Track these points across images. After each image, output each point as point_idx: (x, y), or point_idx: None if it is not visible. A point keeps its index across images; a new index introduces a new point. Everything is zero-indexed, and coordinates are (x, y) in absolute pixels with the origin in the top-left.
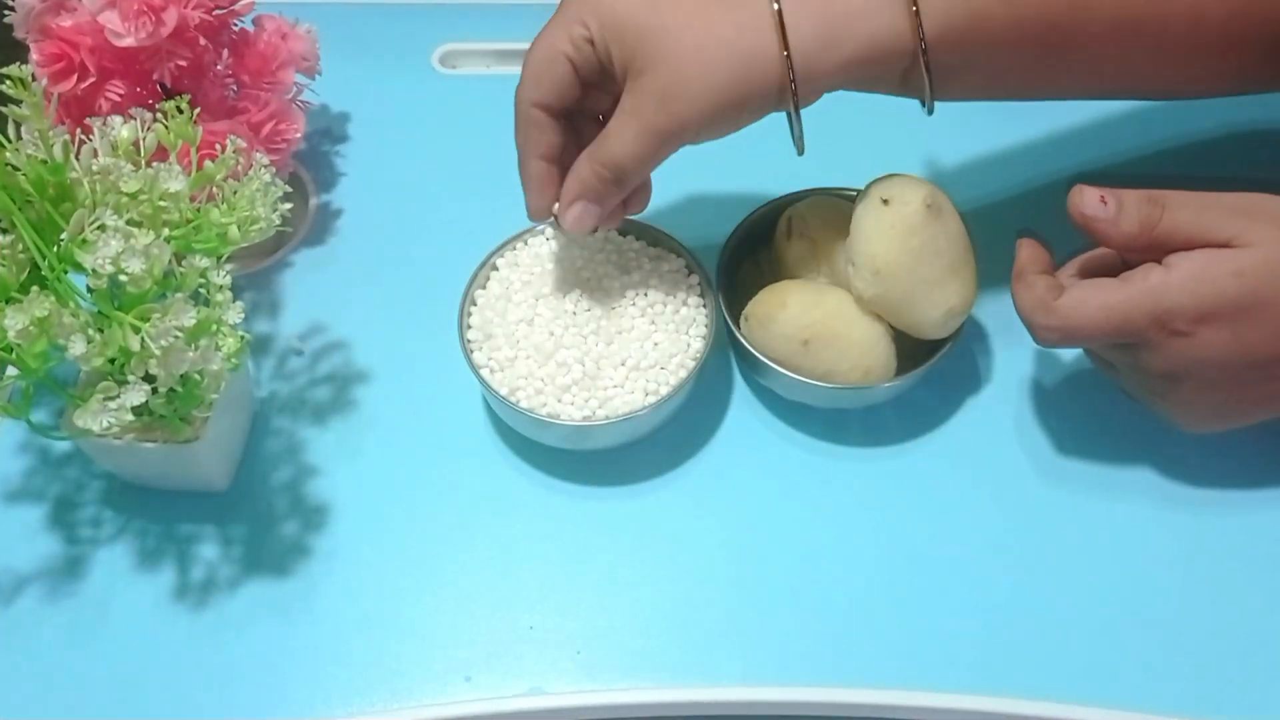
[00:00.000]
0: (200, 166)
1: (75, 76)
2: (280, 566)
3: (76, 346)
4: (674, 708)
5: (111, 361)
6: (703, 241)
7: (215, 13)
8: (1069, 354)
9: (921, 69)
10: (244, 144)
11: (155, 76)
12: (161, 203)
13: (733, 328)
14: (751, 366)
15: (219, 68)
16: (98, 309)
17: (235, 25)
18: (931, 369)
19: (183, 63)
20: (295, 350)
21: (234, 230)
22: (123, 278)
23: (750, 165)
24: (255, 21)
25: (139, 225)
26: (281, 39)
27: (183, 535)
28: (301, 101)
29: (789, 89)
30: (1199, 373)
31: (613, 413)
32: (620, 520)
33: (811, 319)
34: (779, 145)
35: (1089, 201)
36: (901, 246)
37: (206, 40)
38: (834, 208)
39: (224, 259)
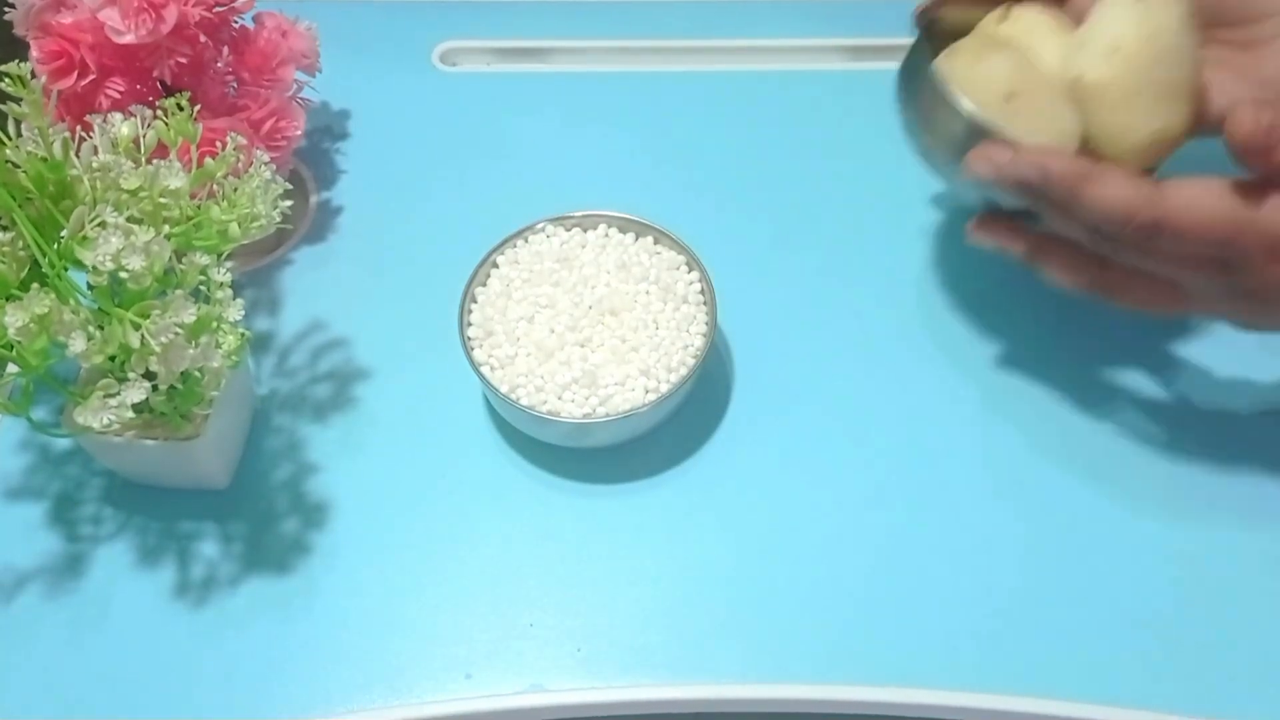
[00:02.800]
0: (200, 164)
1: (75, 73)
2: (281, 564)
3: (77, 344)
4: (674, 705)
5: (112, 359)
6: (703, 240)
7: (215, 10)
8: (1070, 353)
9: None
10: (244, 141)
11: (155, 74)
12: (162, 200)
13: (927, 60)
14: (926, 104)
15: (219, 65)
16: (98, 306)
17: (235, 22)
18: (935, 369)
19: (183, 60)
20: None
21: (234, 227)
22: (123, 275)
23: (751, 164)
24: (255, 18)
25: (139, 222)
26: (282, 36)
27: (183, 533)
28: (302, 99)
29: None
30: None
31: (613, 410)
32: (620, 518)
33: (1026, 75)
34: (781, 145)
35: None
36: (1149, 37)
37: (206, 37)
38: (1051, 15)
39: (224, 256)
